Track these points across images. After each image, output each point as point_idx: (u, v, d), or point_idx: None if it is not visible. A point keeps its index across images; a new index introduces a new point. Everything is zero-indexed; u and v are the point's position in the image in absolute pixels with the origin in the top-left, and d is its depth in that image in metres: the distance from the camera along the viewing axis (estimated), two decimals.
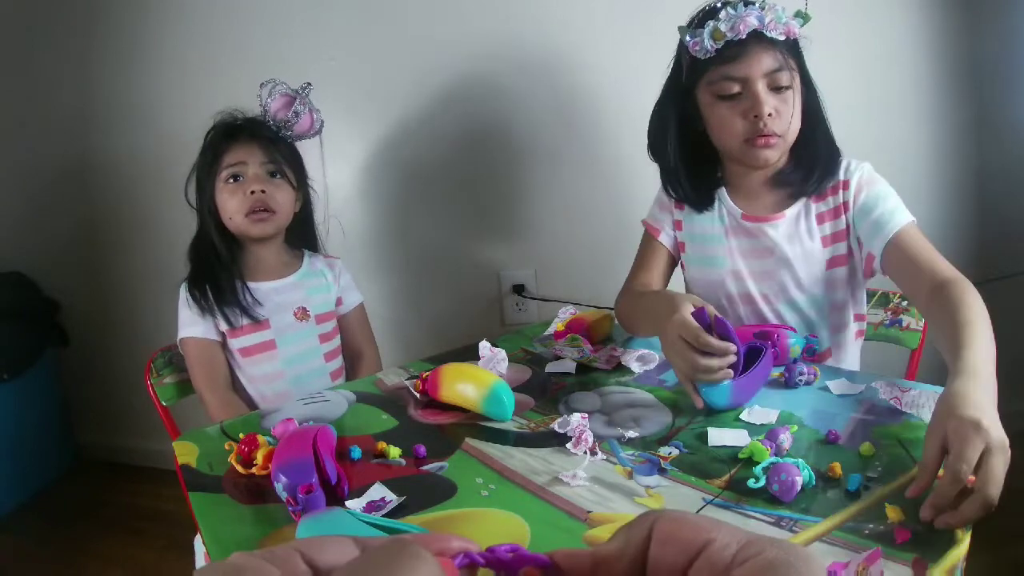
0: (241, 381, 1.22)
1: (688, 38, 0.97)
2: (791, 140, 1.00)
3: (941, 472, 0.57)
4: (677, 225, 1.16)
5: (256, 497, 0.68)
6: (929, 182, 1.61)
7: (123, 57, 1.81)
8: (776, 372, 0.90)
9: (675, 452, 0.72)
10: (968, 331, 0.71)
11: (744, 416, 0.79)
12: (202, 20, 1.72)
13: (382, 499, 0.65)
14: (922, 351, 1.17)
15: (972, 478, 0.55)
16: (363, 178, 1.73)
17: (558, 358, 1.04)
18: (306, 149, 1.29)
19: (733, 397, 0.80)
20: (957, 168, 1.62)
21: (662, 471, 0.68)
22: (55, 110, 1.92)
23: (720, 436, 0.74)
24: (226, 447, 0.75)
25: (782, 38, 0.94)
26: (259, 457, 0.71)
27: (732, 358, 0.79)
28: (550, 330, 1.15)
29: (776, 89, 0.96)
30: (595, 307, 1.33)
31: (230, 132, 1.19)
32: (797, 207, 1.04)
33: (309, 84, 1.23)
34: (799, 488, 0.61)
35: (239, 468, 0.72)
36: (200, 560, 1.05)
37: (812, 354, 0.98)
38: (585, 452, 0.72)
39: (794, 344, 0.92)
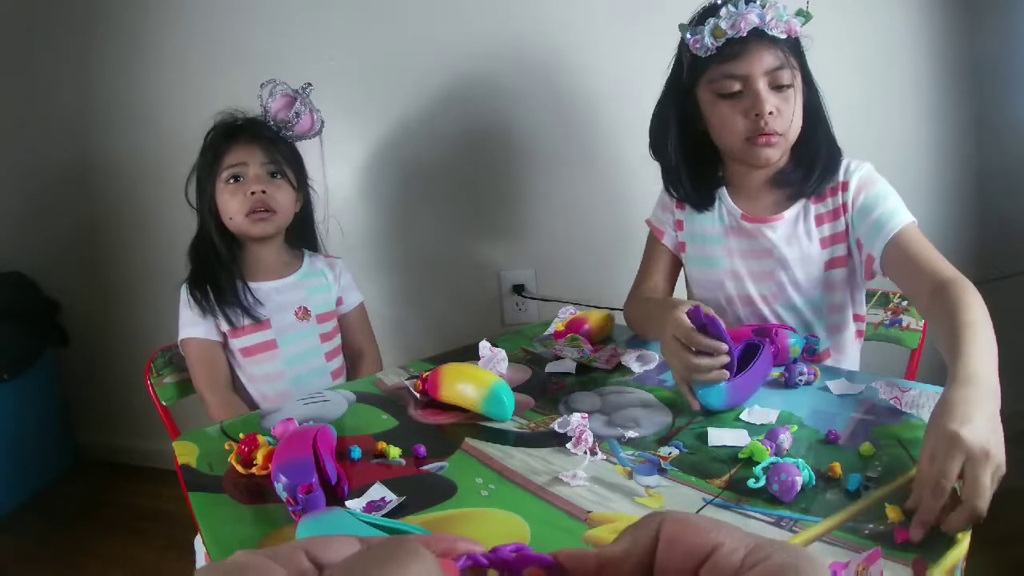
0: (242, 381, 1.22)
1: (689, 36, 0.97)
2: (792, 139, 1.00)
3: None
4: (678, 225, 1.16)
5: (256, 497, 0.68)
6: (929, 182, 1.61)
7: (123, 57, 1.81)
8: (776, 372, 0.90)
9: (675, 452, 0.72)
10: (968, 333, 0.71)
11: (744, 416, 0.79)
12: (202, 20, 1.72)
13: (382, 499, 0.65)
14: (922, 351, 1.17)
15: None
16: (363, 178, 1.73)
17: (558, 358, 1.04)
18: (306, 149, 1.29)
19: (729, 398, 0.80)
20: (957, 168, 1.62)
21: (662, 471, 0.68)
22: (55, 110, 1.92)
23: (720, 436, 0.74)
24: (226, 447, 0.75)
25: (783, 36, 0.93)
26: (259, 457, 0.71)
27: (725, 358, 0.79)
28: (550, 330, 1.15)
29: (777, 88, 0.96)
30: (595, 307, 1.33)
31: (230, 132, 1.19)
32: (796, 208, 1.04)
33: (309, 84, 1.23)
34: (799, 488, 0.61)
35: (239, 468, 0.72)
36: (200, 560, 1.05)
37: (812, 354, 0.97)
38: (585, 452, 0.72)
39: (794, 344, 0.92)
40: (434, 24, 1.60)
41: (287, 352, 1.22)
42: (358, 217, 1.72)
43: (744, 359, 0.84)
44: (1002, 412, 0.62)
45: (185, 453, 0.80)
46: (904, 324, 1.19)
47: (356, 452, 0.75)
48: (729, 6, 0.93)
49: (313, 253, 1.33)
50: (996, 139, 1.61)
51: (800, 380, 0.87)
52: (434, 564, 0.23)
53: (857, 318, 1.09)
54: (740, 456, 0.69)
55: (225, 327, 1.17)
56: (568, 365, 1.00)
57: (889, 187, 1.00)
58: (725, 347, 0.80)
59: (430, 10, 1.60)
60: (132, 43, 1.80)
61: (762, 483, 0.62)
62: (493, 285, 1.74)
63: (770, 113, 0.95)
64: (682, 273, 1.21)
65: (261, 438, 0.74)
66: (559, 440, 0.76)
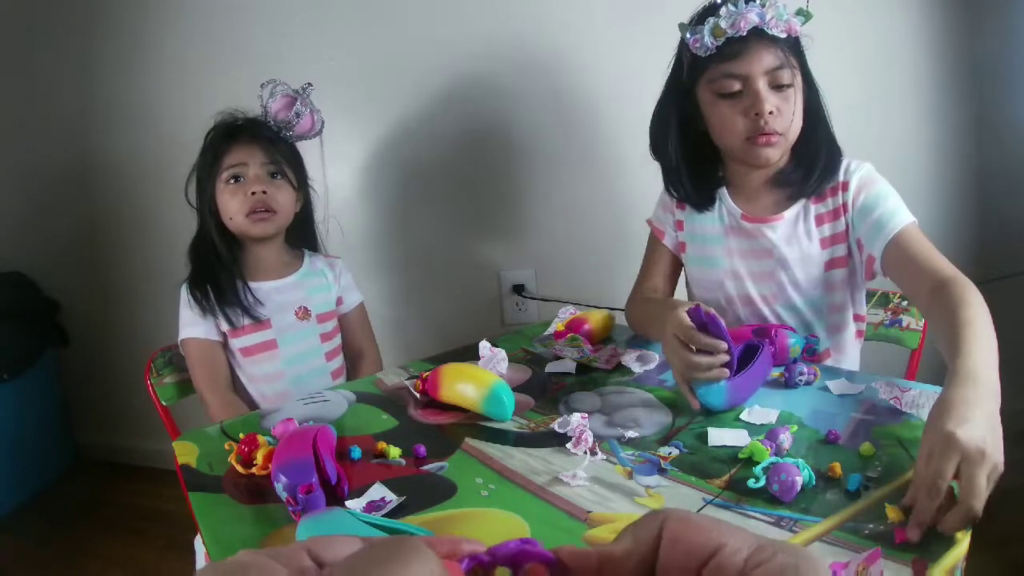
0: (242, 381, 1.22)
1: (688, 35, 0.97)
2: (792, 139, 1.00)
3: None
4: (678, 225, 1.16)
5: (256, 497, 0.68)
6: (929, 182, 1.61)
7: (123, 57, 1.81)
8: (776, 372, 0.90)
9: (675, 452, 0.72)
10: (967, 332, 0.71)
11: (744, 416, 0.79)
12: (202, 20, 1.72)
13: (382, 499, 0.65)
14: (922, 351, 1.17)
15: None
16: (363, 178, 1.73)
17: (558, 358, 1.04)
18: (306, 149, 1.29)
19: (729, 398, 0.80)
20: (957, 168, 1.62)
21: (662, 471, 0.68)
22: (55, 110, 1.92)
23: (720, 436, 0.74)
24: (226, 447, 0.75)
25: (783, 35, 0.93)
26: (259, 457, 0.71)
27: (724, 357, 0.80)
28: (550, 330, 1.15)
29: (777, 87, 0.96)
30: (595, 307, 1.33)
31: (231, 132, 1.19)
32: (796, 208, 1.04)
33: (310, 84, 1.23)
34: (799, 488, 0.61)
35: (239, 468, 0.72)
36: (200, 560, 1.05)
37: (812, 354, 0.97)
38: (585, 452, 0.72)
39: (794, 344, 0.92)
40: (434, 24, 1.60)
41: (287, 352, 1.22)
42: (358, 217, 1.72)
43: (744, 360, 0.84)
44: (1002, 411, 0.61)
45: (185, 453, 0.80)
46: (904, 324, 1.19)
47: (356, 452, 0.75)
48: (729, 5, 0.93)
49: (313, 253, 1.33)
50: (996, 139, 1.61)
51: (800, 380, 0.87)
52: (437, 563, 0.23)
53: (857, 318, 1.09)
54: (740, 456, 0.69)
55: (225, 327, 1.17)
56: (568, 365, 1.00)
57: (889, 187, 1.00)
58: (725, 346, 0.80)
59: (430, 10, 1.60)
60: (132, 43, 1.80)
61: (762, 483, 0.62)
62: (493, 285, 1.74)
63: (770, 113, 0.95)
64: (683, 273, 1.21)
65: (261, 438, 0.74)
66: (559, 440, 0.76)
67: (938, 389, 0.65)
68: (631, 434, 0.76)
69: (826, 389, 0.85)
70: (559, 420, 0.78)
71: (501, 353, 0.99)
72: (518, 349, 1.10)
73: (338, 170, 1.66)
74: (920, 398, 0.79)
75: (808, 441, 0.72)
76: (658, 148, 1.11)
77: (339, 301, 1.32)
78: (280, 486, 0.62)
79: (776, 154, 0.99)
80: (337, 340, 1.31)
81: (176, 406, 1.19)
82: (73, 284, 2.05)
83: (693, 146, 1.08)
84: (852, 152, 1.05)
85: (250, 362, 1.20)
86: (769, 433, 0.70)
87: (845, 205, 1.01)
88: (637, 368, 0.98)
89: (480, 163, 1.67)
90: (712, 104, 1.00)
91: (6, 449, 1.87)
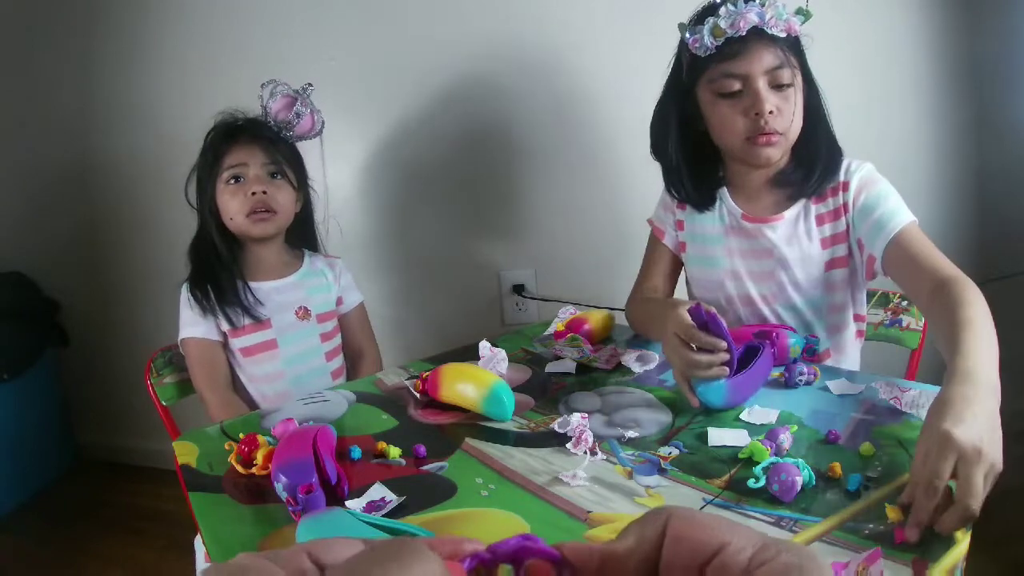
0: (242, 381, 1.22)
1: (688, 35, 0.97)
2: (793, 139, 1.00)
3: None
4: (679, 225, 1.16)
5: (256, 497, 0.68)
6: (929, 182, 1.61)
7: (123, 57, 1.81)
8: (776, 372, 0.90)
9: (675, 452, 0.72)
10: (967, 331, 0.71)
11: (744, 416, 0.79)
12: (202, 20, 1.72)
13: (382, 499, 0.65)
14: (922, 351, 1.17)
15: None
16: (363, 178, 1.73)
17: (558, 358, 1.04)
18: (306, 149, 1.29)
19: (729, 396, 0.80)
20: (957, 168, 1.62)
21: (662, 471, 0.68)
22: (55, 110, 1.92)
23: (720, 436, 0.74)
24: (226, 447, 0.75)
25: (783, 35, 0.93)
26: (259, 457, 0.71)
27: (724, 355, 0.80)
28: (550, 330, 1.15)
29: (777, 87, 0.95)
30: (595, 307, 1.33)
31: (231, 133, 1.19)
32: (796, 208, 1.04)
33: (310, 85, 1.23)
34: (799, 488, 0.61)
35: (239, 468, 0.72)
36: (200, 560, 1.05)
37: (812, 354, 0.97)
38: (585, 452, 0.72)
39: (794, 344, 0.92)
40: (434, 24, 1.60)
41: (287, 352, 1.22)
42: (358, 217, 1.72)
43: (745, 361, 0.84)
44: (1002, 411, 0.61)
45: (185, 453, 0.80)
46: (904, 324, 1.19)
47: (356, 452, 0.75)
48: (728, 5, 0.93)
49: (313, 253, 1.33)
50: (996, 139, 1.61)
51: (800, 380, 0.87)
52: (438, 565, 0.22)
53: (857, 318, 1.09)
54: (740, 456, 0.69)
55: (226, 327, 1.17)
56: (568, 365, 1.00)
57: (890, 187, 1.00)
58: (724, 344, 0.80)
59: (430, 10, 1.60)
60: (132, 43, 1.79)
61: (762, 483, 0.62)
62: (493, 285, 1.74)
63: (770, 112, 0.95)
64: (683, 273, 1.21)
65: (261, 438, 0.74)
66: (559, 440, 0.76)
67: (938, 389, 0.65)
68: (631, 434, 0.76)
69: (826, 389, 0.85)
70: (559, 420, 0.78)
71: (501, 353, 0.99)
72: (518, 349, 1.10)
73: (338, 170, 1.66)
74: (920, 398, 0.79)
75: (808, 441, 0.72)
76: (658, 148, 1.11)
77: (339, 301, 1.32)
78: (280, 486, 0.62)
79: (776, 154, 0.99)
80: (337, 340, 1.31)
81: (176, 406, 1.19)
82: (73, 284, 2.05)
83: (693, 146, 1.08)
84: (852, 152, 1.05)
85: (250, 362, 1.20)
86: (769, 433, 0.70)
87: (846, 205, 1.01)
88: (637, 368, 0.98)
89: (480, 163, 1.67)
90: (712, 104, 1.00)
91: (6, 449, 1.87)
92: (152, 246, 1.89)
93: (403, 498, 0.65)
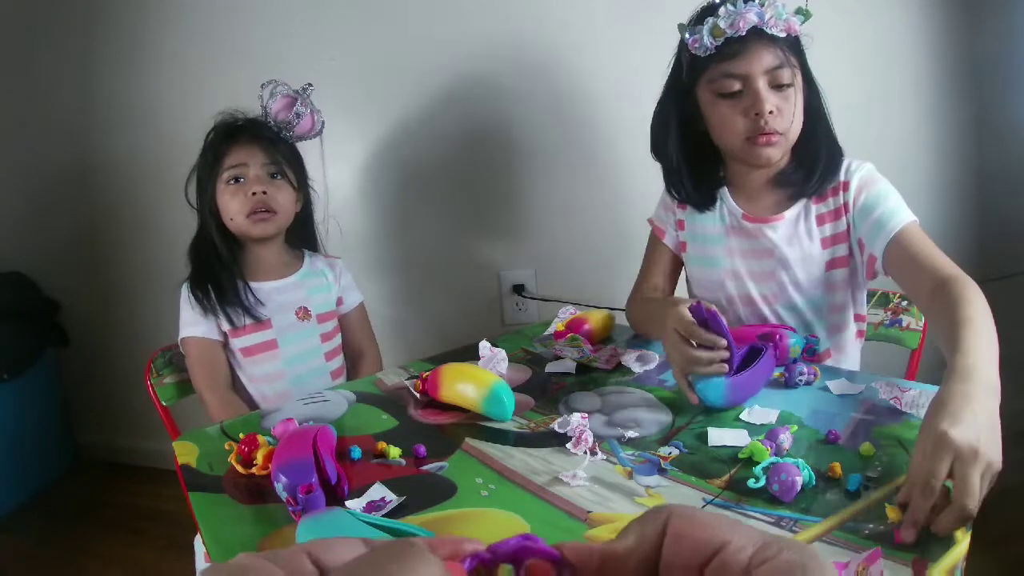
0: (242, 381, 1.22)
1: (688, 35, 0.97)
2: (793, 138, 1.00)
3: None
4: (679, 225, 1.16)
5: (256, 497, 0.68)
6: (929, 182, 1.61)
7: (123, 57, 1.81)
8: (776, 372, 0.90)
9: (675, 452, 0.72)
10: (967, 329, 0.71)
11: (744, 416, 0.79)
12: (202, 20, 1.72)
13: (382, 499, 0.65)
14: (922, 351, 1.17)
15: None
16: (363, 178, 1.73)
17: (558, 358, 1.04)
18: (306, 149, 1.29)
19: (728, 395, 0.80)
20: (957, 168, 1.62)
21: (662, 471, 0.68)
22: (55, 110, 1.92)
23: (720, 436, 0.74)
24: (226, 447, 0.75)
25: (783, 35, 0.93)
26: (259, 457, 0.71)
27: (724, 353, 0.80)
28: (550, 330, 1.15)
29: (777, 87, 0.95)
30: (595, 307, 1.33)
31: (231, 133, 1.19)
32: (797, 208, 1.04)
33: (310, 85, 1.23)
34: (799, 488, 0.61)
35: (239, 468, 0.72)
36: (200, 560, 1.05)
37: (812, 354, 0.97)
38: (585, 452, 0.72)
39: (794, 344, 0.92)
40: (434, 24, 1.60)
41: (287, 352, 1.22)
42: (358, 217, 1.72)
43: (746, 363, 0.84)
44: (1002, 410, 0.61)
45: (185, 453, 0.80)
46: (904, 324, 1.19)
47: (356, 452, 0.75)
48: (728, 5, 0.93)
49: (313, 253, 1.33)
50: (996, 139, 1.61)
51: (800, 380, 0.87)
52: (439, 566, 0.22)
53: (858, 318, 1.09)
54: (740, 456, 0.69)
55: (226, 326, 1.17)
56: (568, 365, 1.00)
57: (890, 187, 1.00)
58: (724, 342, 0.80)
59: (430, 10, 1.60)
60: (132, 43, 1.79)
61: (762, 483, 0.62)
62: (493, 285, 1.74)
63: (770, 112, 0.95)
64: (683, 273, 1.21)
65: (261, 438, 0.74)
66: (559, 440, 0.76)
67: (938, 389, 0.65)
68: (631, 434, 0.76)
69: (826, 389, 0.85)
70: (559, 420, 0.78)
71: (501, 353, 0.99)
72: (518, 349, 1.10)
73: (338, 170, 1.66)
74: (920, 398, 0.79)
75: (808, 441, 0.72)
76: (658, 149, 1.11)
77: (339, 301, 1.32)
78: (280, 486, 0.62)
79: (776, 154, 0.99)
80: (337, 340, 1.31)
81: (176, 406, 1.19)
82: (73, 284, 2.05)
83: (693, 146, 1.08)
84: (852, 152, 1.05)
85: (250, 362, 1.20)
86: (769, 433, 0.70)
87: (846, 205, 1.01)
88: (637, 368, 0.98)
89: (480, 163, 1.67)
90: (712, 104, 1.00)
91: (6, 449, 1.87)
92: (152, 246, 1.89)
93: (403, 498, 0.65)
